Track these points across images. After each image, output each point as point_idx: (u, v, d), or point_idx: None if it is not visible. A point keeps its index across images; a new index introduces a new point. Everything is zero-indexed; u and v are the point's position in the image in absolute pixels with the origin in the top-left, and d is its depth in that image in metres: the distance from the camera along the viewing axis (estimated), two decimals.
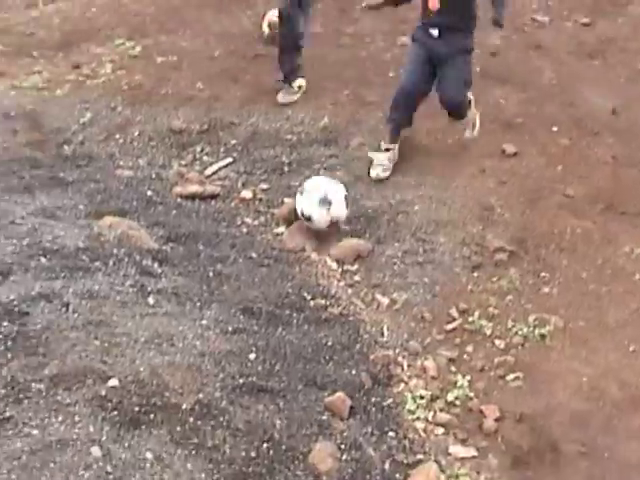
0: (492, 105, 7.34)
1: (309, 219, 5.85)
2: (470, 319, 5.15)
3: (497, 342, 4.96)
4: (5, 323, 4.08)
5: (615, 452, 4.17)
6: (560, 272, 5.66)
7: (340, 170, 6.72)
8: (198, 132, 7.35)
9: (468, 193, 6.32)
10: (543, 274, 5.63)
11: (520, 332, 5.02)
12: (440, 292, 5.38)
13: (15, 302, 4.25)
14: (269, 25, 8.20)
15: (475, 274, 5.61)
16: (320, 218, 5.82)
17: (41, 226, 5.20)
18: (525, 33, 8.65)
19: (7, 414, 3.50)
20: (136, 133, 7.36)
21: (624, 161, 6.85)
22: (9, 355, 3.86)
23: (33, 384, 3.67)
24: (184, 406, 3.72)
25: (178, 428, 3.60)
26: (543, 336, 4.98)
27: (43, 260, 4.75)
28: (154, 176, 6.77)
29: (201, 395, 3.81)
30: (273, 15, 7.92)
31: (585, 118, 7.31)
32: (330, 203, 5.77)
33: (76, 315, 4.21)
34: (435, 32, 6.31)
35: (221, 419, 3.72)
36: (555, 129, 7.22)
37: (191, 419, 3.67)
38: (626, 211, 6.26)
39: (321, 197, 5.77)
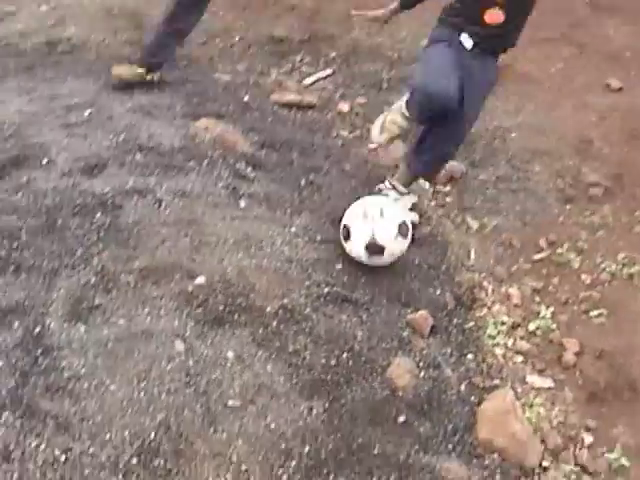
0: (600, 36, 7.15)
1: (380, 250, 4.33)
2: (558, 251, 5.08)
3: (583, 277, 4.89)
4: (98, 214, 4.17)
5: None
6: None
7: None
8: (299, 42, 7.32)
9: (567, 125, 6.20)
10: (637, 213, 5.52)
11: (608, 269, 4.94)
12: (531, 221, 5.31)
13: (109, 195, 4.33)
14: None
15: (567, 207, 5.53)
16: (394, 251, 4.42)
17: (138, 123, 5.26)
18: None
19: (96, 302, 3.60)
20: (236, 39, 7.35)
21: None
22: (101, 245, 3.95)
23: (122, 275, 3.75)
24: (268, 309, 3.75)
25: (260, 330, 3.65)
26: (631, 275, 4.89)
27: (138, 156, 4.81)
28: (252, 82, 6.76)
29: (285, 300, 3.84)
30: None
31: None
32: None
33: (168, 212, 4.27)
34: (469, 43, 4.54)
35: (303, 325, 3.75)
36: None
37: (274, 323, 3.70)
38: None
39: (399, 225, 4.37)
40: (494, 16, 4.38)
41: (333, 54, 7.20)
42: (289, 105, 6.40)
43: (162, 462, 2.98)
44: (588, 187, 5.61)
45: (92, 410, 3.08)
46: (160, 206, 4.30)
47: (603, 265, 4.97)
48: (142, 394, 3.17)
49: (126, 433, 3.02)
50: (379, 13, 5.02)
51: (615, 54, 7.01)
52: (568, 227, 5.33)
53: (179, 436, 3.08)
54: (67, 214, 4.17)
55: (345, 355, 3.69)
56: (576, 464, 3.73)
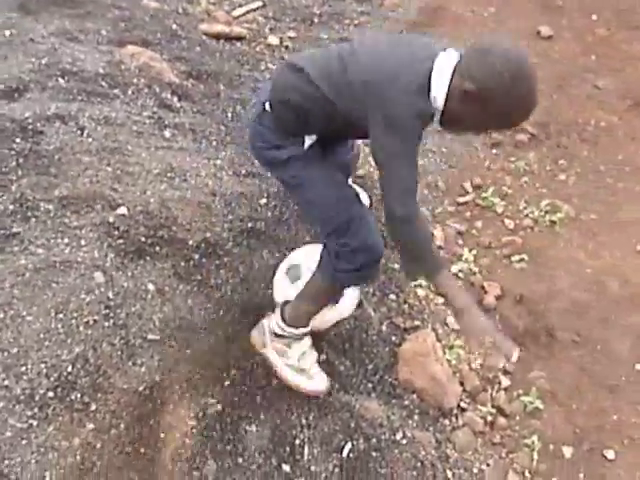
0: None
1: None
2: (483, 195, 5.11)
3: (507, 222, 4.92)
4: (18, 140, 4.04)
5: (608, 346, 4.18)
6: (579, 162, 5.61)
7: (371, 29, 6.58)
8: None
9: None
10: (561, 161, 5.57)
11: (531, 215, 4.98)
12: (457, 164, 5.32)
13: (30, 120, 4.20)
14: None
15: (494, 151, 5.56)
16: None
17: (61, 47, 5.11)
18: None
19: (14, 230, 3.50)
20: None
21: None
22: (20, 172, 3.84)
23: (42, 204, 3.65)
24: (190, 242, 3.71)
25: (182, 263, 3.60)
26: (553, 222, 4.94)
27: (61, 81, 4.68)
28: (181, 11, 6.63)
29: (208, 234, 3.80)
30: None
31: (627, 11, 7.13)
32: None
33: (90, 140, 4.17)
34: None
35: (225, 260, 3.72)
36: (594, 18, 7.06)
37: (196, 256, 3.66)
38: None
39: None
40: None
41: None
42: (218, 36, 6.28)
43: (79, 396, 2.94)
44: (515, 133, 5.63)
45: (7, 341, 3.02)
46: (83, 133, 4.19)
47: (526, 211, 5.01)
48: (60, 326, 3.11)
49: (42, 366, 2.96)
50: None
51: (547, 2, 7.04)
52: (493, 172, 5.36)
53: (97, 369, 3.04)
54: None
55: (268, 291, 3.67)
56: (493, 406, 3.80)
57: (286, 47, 6.42)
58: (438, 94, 2.79)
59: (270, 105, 3.15)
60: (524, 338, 4.16)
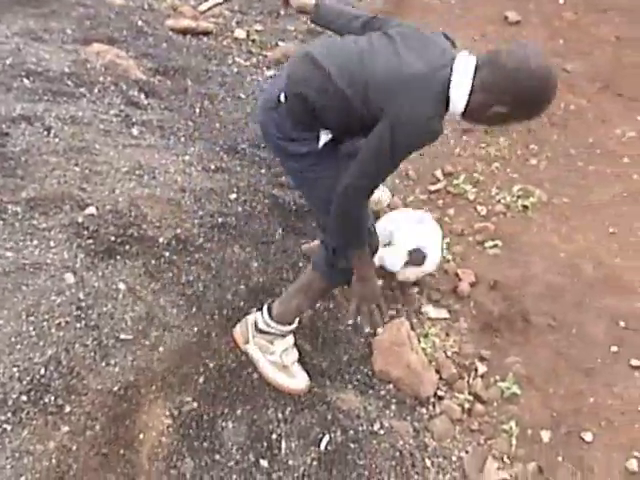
0: None
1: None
2: (455, 182, 5.11)
3: (479, 208, 4.94)
4: None
5: (583, 329, 4.20)
6: (549, 146, 5.63)
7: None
8: None
9: None
10: (532, 146, 5.59)
11: (503, 201, 4.99)
12: (427, 152, 5.30)
13: None
14: None
15: (464, 138, 5.58)
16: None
17: (26, 47, 5.06)
18: None
19: None
20: None
21: (627, 42, 6.76)
22: None
23: (9, 206, 3.61)
24: (160, 240, 3.68)
25: (153, 261, 3.58)
26: (525, 207, 4.95)
27: (26, 82, 4.64)
28: (147, 7, 6.59)
29: (178, 230, 3.78)
30: None
31: None
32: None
33: (57, 140, 4.13)
34: None
35: (197, 256, 3.70)
36: (561, 2, 7.10)
37: (167, 253, 3.64)
38: (622, 93, 6.21)
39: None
40: None
41: None
42: (184, 31, 6.25)
43: (53, 398, 2.91)
44: None
45: None
46: (49, 134, 4.15)
47: (498, 197, 5.02)
48: (31, 329, 3.07)
49: (15, 370, 2.93)
50: None
51: None
52: (464, 158, 5.37)
53: (70, 371, 3.01)
54: None
55: (241, 287, 3.66)
56: (470, 393, 3.80)
57: (253, 40, 6.40)
58: (458, 103, 2.82)
59: (285, 97, 3.12)
60: (499, 324, 4.17)
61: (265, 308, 3.46)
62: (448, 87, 2.80)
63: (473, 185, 5.07)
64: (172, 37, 6.09)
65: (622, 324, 4.20)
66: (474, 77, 2.80)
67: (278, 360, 3.44)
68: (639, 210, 5.01)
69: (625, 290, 4.40)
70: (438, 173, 5.20)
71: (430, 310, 4.22)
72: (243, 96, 5.41)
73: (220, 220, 3.97)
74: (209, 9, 6.75)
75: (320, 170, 3.20)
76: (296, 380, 3.46)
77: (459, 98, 2.80)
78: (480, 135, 5.55)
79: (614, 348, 4.07)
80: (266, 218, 4.17)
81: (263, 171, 4.58)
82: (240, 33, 6.45)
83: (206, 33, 6.34)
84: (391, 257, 4.13)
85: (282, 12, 6.79)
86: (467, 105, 2.83)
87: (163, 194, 3.94)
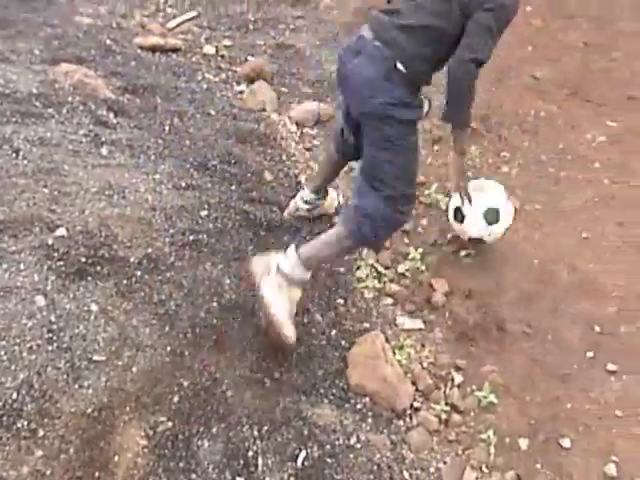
0: None
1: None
2: (426, 192, 5.11)
3: None
4: None
5: (559, 335, 4.22)
6: (520, 153, 5.67)
7: (306, 32, 6.57)
8: None
9: None
10: (503, 154, 5.62)
11: None
12: None
13: None
14: None
15: (435, 147, 5.58)
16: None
17: None
18: None
19: None
20: None
21: (595, 48, 6.83)
22: None
23: None
24: (132, 259, 3.65)
25: (125, 281, 3.55)
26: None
27: None
28: (115, 25, 6.59)
29: (150, 249, 3.75)
30: None
31: (561, 0, 7.20)
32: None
33: (26, 162, 4.09)
34: None
35: (169, 275, 3.67)
36: (529, 9, 7.13)
37: (138, 273, 3.61)
38: (591, 99, 6.27)
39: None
40: None
41: None
42: (153, 49, 6.24)
43: (26, 423, 2.87)
44: None
45: None
46: (18, 156, 4.11)
47: None
48: (2, 353, 3.03)
49: None
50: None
51: None
52: (436, 168, 5.37)
53: (43, 395, 2.97)
54: None
55: (213, 304, 3.64)
56: (447, 403, 3.81)
57: (222, 56, 6.39)
58: None
59: (402, 63, 3.54)
60: (475, 332, 4.20)
61: (292, 251, 3.66)
62: None
63: (445, 195, 5.07)
64: (141, 55, 6.08)
65: (597, 329, 4.23)
66: None
67: (288, 304, 3.63)
68: (611, 214, 5.05)
69: (600, 295, 4.43)
70: None
71: (405, 321, 4.22)
72: (213, 112, 5.39)
73: (191, 238, 3.95)
74: (178, 26, 6.75)
75: (412, 141, 3.73)
76: (293, 330, 3.58)
77: None
78: (451, 144, 5.55)
79: (590, 353, 4.10)
80: (237, 234, 4.16)
81: (234, 187, 4.56)
82: (209, 49, 6.44)
83: (175, 50, 6.33)
84: (471, 227, 4.52)
85: (251, 27, 6.79)
86: None
87: (133, 213, 3.92)
